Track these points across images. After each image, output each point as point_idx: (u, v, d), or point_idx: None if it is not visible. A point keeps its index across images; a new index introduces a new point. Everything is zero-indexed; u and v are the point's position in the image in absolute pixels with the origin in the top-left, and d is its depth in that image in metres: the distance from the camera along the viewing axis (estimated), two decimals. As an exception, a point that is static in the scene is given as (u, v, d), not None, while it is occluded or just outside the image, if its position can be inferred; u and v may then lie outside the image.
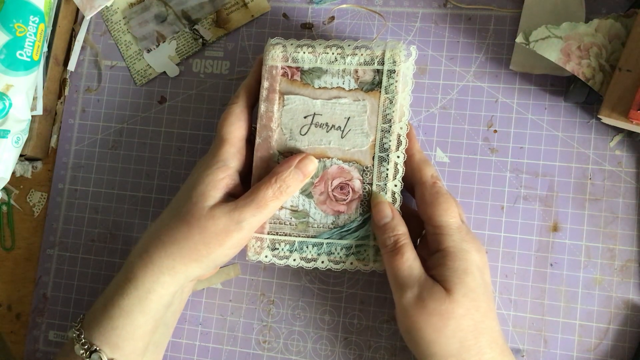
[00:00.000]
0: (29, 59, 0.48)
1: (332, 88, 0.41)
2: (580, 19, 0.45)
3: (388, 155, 0.40)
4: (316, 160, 0.41)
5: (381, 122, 0.40)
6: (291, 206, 0.42)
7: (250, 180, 0.42)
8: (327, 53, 0.41)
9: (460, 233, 0.38)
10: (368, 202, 0.41)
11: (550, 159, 0.45)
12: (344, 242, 0.41)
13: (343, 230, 0.41)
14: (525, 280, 0.45)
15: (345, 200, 0.41)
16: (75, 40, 0.53)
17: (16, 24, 0.47)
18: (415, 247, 0.39)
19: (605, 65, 0.41)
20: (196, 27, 0.51)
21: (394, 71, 0.40)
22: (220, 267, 0.48)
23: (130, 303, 0.39)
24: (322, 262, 0.41)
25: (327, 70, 0.41)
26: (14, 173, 0.53)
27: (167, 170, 0.51)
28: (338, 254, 0.41)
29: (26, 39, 0.47)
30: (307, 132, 0.42)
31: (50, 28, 0.52)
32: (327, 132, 0.41)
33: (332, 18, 0.50)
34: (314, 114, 0.41)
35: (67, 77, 0.54)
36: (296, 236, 0.42)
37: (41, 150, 0.52)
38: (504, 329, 0.44)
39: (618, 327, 0.43)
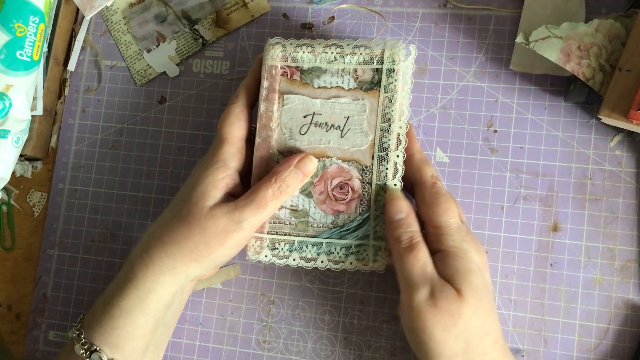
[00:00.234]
0: (29, 59, 0.48)
1: (331, 87, 0.41)
2: (580, 19, 0.45)
3: (387, 155, 0.40)
4: (316, 160, 0.41)
5: (380, 121, 0.40)
6: (291, 206, 0.42)
7: (250, 180, 0.42)
8: (327, 52, 0.41)
9: (460, 233, 0.38)
10: (367, 202, 0.41)
11: (550, 159, 0.45)
12: (343, 241, 0.41)
13: (342, 229, 0.41)
14: (525, 280, 0.44)
15: (344, 199, 0.41)
16: (75, 40, 0.53)
17: (16, 24, 0.47)
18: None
19: (605, 65, 0.41)
20: (196, 27, 0.51)
21: (393, 70, 0.40)
22: (220, 267, 0.48)
23: (131, 303, 0.39)
24: (322, 261, 0.41)
25: (326, 69, 0.41)
26: (14, 173, 0.53)
27: (167, 170, 0.51)
28: (337, 253, 0.41)
29: (26, 39, 0.47)
30: (306, 132, 0.42)
31: (50, 28, 0.52)
32: (327, 131, 0.41)
33: (332, 18, 0.50)
34: (314, 113, 0.41)
35: (67, 77, 0.54)
36: (296, 236, 0.42)
37: (41, 150, 0.53)
38: (504, 329, 0.44)
39: (618, 327, 0.43)
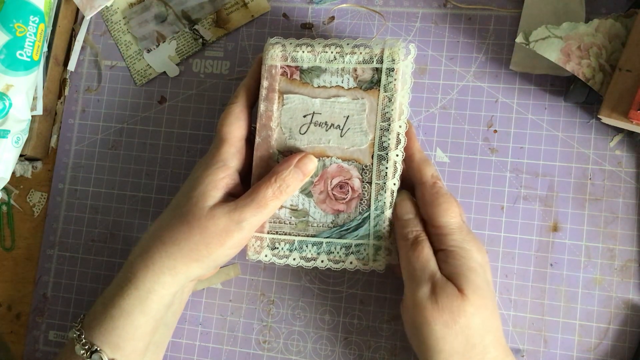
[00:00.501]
0: (29, 59, 0.48)
1: (331, 87, 0.41)
2: (580, 19, 0.45)
3: (387, 154, 0.40)
4: (316, 159, 0.41)
5: (380, 120, 0.40)
6: (291, 205, 0.42)
7: (250, 180, 0.42)
8: (326, 52, 0.41)
9: (461, 233, 0.38)
10: (367, 201, 0.41)
11: (550, 159, 0.45)
12: (343, 241, 0.41)
13: (342, 229, 0.41)
14: (525, 280, 0.44)
15: (344, 199, 0.41)
16: (75, 40, 0.53)
17: (16, 24, 0.47)
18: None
19: (605, 65, 0.41)
20: (196, 27, 0.51)
21: (393, 69, 0.40)
22: (220, 267, 0.48)
23: (131, 303, 0.39)
24: (322, 261, 0.41)
25: (326, 69, 0.41)
26: (14, 173, 0.53)
27: (167, 170, 0.51)
28: (337, 253, 0.41)
29: (26, 39, 0.47)
30: (306, 131, 0.42)
31: (50, 28, 0.52)
32: (327, 131, 0.41)
33: (332, 18, 0.50)
34: (313, 112, 0.41)
35: (67, 77, 0.54)
36: (296, 235, 0.42)
37: (41, 150, 0.53)
38: (504, 329, 0.44)
39: (618, 327, 0.43)
